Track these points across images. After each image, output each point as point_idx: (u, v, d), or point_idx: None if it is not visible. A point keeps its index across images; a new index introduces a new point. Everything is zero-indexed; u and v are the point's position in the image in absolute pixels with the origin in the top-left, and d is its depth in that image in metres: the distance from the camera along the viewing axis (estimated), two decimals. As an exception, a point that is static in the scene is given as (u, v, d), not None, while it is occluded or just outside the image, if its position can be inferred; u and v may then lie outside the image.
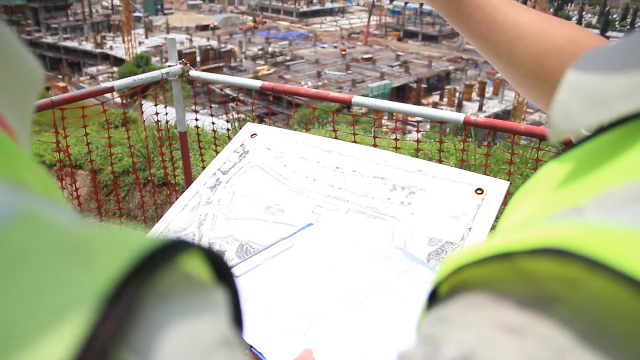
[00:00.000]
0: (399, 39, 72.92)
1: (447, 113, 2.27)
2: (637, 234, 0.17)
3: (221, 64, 53.31)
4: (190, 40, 60.91)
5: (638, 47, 0.24)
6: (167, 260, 0.17)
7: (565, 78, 0.25)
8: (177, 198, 1.92)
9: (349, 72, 52.08)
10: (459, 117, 2.18)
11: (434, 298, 0.23)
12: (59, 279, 0.14)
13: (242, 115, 4.66)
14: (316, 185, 1.50)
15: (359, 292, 1.05)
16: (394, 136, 3.23)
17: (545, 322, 0.18)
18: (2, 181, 0.17)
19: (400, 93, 49.94)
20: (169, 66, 2.86)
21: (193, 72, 2.87)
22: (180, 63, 2.86)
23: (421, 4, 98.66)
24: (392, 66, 56.87)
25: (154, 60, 48.51)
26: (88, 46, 59.42)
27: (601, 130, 0.23)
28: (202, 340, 0.17)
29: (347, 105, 2.30)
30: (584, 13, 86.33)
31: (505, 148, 3.24)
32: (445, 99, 50.50)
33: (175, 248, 0.18)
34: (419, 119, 2.48)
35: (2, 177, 0.17)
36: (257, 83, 2.66)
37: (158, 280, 0.17)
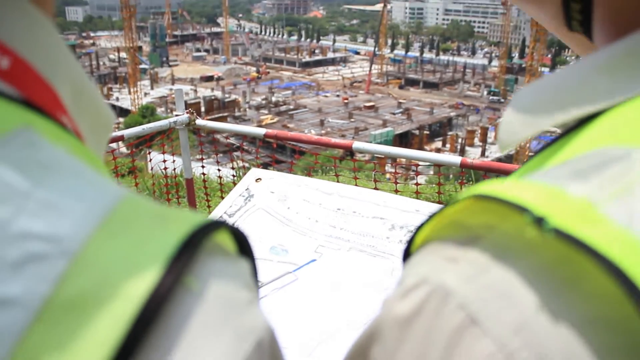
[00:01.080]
0: (401, 87, 73.94)
1: (444, 156, 2.37)
2: (540, 184, 0.26)
3: (225, 114, 53.99)
4: (195, 91, 61.92)
5: (558, 82, 0.35)
6: (211, 230, 0.27)
7: (507, 108, 0.37)
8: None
9: (352, 120, 52.66)
10: (456, 159, 2.26)
11: (408, 256, 0.33)
12: (153, 234, 0.25)
13: (247, 164, 4.77)
14: (318, 226, 1.53)
15: (359, 319, 1.15)
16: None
17: (472, 252, 0.27)
18: (109, 179, 0.29)
19: (403, 140, 50.35)
20: (176, 115, 2.97)
21: (199, 121, 2.98)
22: (187, 112, 2.98)
23: (421, 52, 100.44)
24: (394, 113, 57.52)
25: (159, 110, 49.28)
26: (94, 98, 60.20)
27: (546, 145, 0.35)
28: (235, 277, 0.28)
29: (350, 153, 2.39)
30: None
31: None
32: (447, 145, 50.83)
33: (216, 225, 0.28)
34: (420, 163, 2.57)
35: (108, 177, 0.29)
36: (261, 131, 2.76)
37: (205, 242, 0.27)
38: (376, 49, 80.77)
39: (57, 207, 0.25)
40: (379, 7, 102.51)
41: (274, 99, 62.15)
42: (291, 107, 58.37)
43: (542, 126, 0.35)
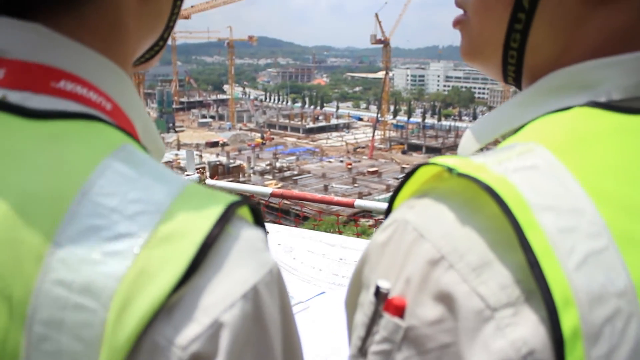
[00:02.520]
0: (404, 152, 74.57)
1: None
2: (483, 160, 0.47)
3: (230, 179, 54.37)
4: (200, 156, 62.59)
5: (494, 115, 0.63)
6: (241, 204, 0.47)
7: (465, 133, 0.64)
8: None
9: (356, 185, 52.93)
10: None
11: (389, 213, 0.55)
12: (208, 202, 0.46)
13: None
14: (322, 274, 1.64)
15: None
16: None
17: (422, 200, 0.48)
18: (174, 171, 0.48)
19: (406, 204, 50.28)
20: (187, 175, 3.11)
21: (209, 181, 3.12)
22: (197, 172, 3.13)
23: (423, 118, 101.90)
24: (397, 178, 57.69)
25: (165, 176, 49.54)
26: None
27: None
28: (257, 240, 0.48)
29: (353, 219, 2.50)
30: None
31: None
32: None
33: (244, 201, 0.48)
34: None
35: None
36: (268, 190, 2.90)
37: (237, 210, 0.47)
38: (379, 115, 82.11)
39: (154, 186, 0.47)
40: (381, 74, 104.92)
41: (278, 164, 62.71)
42: (295, 172, 58.78)
43: (483, 142, 0.65)
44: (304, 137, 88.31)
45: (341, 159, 67.77)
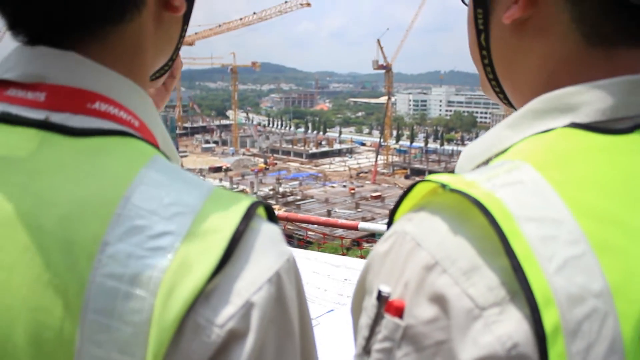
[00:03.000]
0: (407, 177, 74.50)
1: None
2: (473, 177, 0.55)
3: (233, 204, 54.23)
4: (203, 182, 62.63)
5: (486, 136, 0.70)
6: (260, 204, 0.57)
7: (462, 152, 0.71)
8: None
9: (359, 210, 52.87)
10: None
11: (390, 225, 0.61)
12: (233, 203, 0.57)
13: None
14: (327, 294, 1.67)
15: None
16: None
17: (420, 213, 0.57)
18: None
19: (409, 229, 50.17)
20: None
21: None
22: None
23: (426, 143, 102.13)
24: (400, 203, 57.64)
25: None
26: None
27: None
28: (274, 233, 0.58)
29: (356, 243, 2.53)
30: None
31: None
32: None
33: (261, 202, 0.58)
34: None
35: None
36: (272, 213, 2.94)
37: (256, 209, 0.57)
38: (381, 140, 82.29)
39: (186, 190, 0.57)
40: (383, 99, 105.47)
41: (281, 189, 62.75)
42: (298, 197, 58.77)
43: (477, 162, 0.71)
44: (307, 162, 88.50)
45: (344, 183, 67.83)
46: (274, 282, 0.55)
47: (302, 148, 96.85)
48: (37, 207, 0.55)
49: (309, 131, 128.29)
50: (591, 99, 0.64)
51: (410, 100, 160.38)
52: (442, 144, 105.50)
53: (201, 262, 0.52)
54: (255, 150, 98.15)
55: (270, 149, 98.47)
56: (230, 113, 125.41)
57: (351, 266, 1.66)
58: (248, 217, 0.56)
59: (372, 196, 58.31)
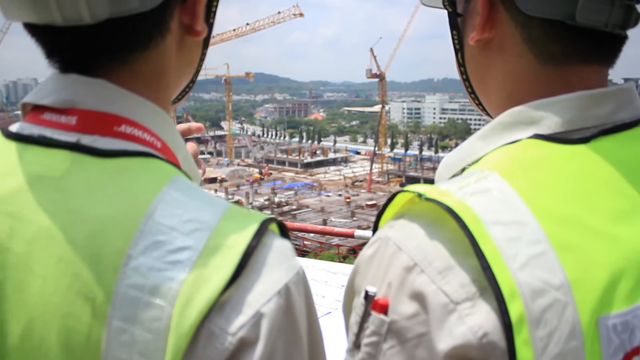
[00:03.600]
0: (402, 185, 74.40)
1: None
2: (447, 186, 0.65)
3: (229, 215, 54.09)
4: (199, 193, 62.45)
5: (462, 146, 0.79)
6: (272, 221, 0.63)
7: (441, 162, 0.82)
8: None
9: (355, 218, 52.85)
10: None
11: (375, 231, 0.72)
12: (246, 220, 0.61)
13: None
14: (325, 300, 1.69)
15: None
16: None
17: (400, 220, 0.67)
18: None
19: (406, 237, 50.10)
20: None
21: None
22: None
23: (420, 151, 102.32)
24: (396, 211, 57.58)
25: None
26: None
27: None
28: (285, 249, 0.63)
29: (352, 251, 2.55)
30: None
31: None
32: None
33: (273, 219, 0.63)
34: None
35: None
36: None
37: (269, 225, 0.62)
38: (376, 148, 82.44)
39: (203, 208, 0.62)
40: (377, 108, 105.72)
41: (276, 199, 62.65)
42: (294, 207, 58.67)
43: (454, 170, 0.80)
44: (302, 172, 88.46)
45: (339, 192, 67.81)
46: (283, 294, 0.60)
47: (297, 158, 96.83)
48: (69, 223, 0.61)
49: (304, 141, 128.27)
50: (552, 112, 0.73)
51: (404, 109, 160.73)
52: (436, 152, 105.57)
53: (216, 275, 0.57)
54: (250, 161, 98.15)
55: (265, 159, 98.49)
56: (224, 124, 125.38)
57: (348, 273, 1.72)
58: (260, 233, 0.61)
59: (367, 204, 58.26)
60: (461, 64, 0.87)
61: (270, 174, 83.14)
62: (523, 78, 0.79)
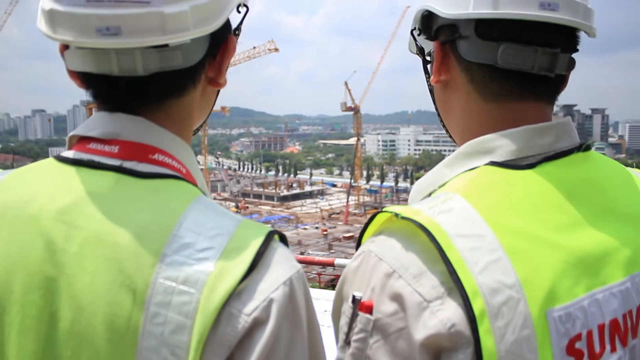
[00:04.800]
0: (378, 217, 74.47)
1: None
2: (419, 207, 0.81)
3: (205, 250, 53.48)
4: (174, 228, 61.73)
5: (431, 173, 0.96)
6: (275, 232, 0.80)
7: (413, 187, 0.99)
8: None
9: (332, 251, 52.55)
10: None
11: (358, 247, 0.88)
12: (257, 230, 0.79)
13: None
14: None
15: None
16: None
17: (379, 237, 0.83)
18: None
19: (383, 269, 49.96)
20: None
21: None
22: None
23: (396, 182, 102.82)
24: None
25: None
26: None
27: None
28: (288, 253, 0.80)
29: (335, 277, 2.52)
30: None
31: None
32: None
33: (276, 231, 0.81)
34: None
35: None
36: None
37: (274, 235, 0.79)
38: (352, 180, 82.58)
39: (222, 219, 0.79)
40: (352, 141, 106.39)
41: (253, 233, 62.10)
42: (271, 240, 58.20)
43: (424, 194, 0.92)
44: (279, 205, 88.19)
45: (316, 225, 67.71)
46: (287, 284, 0.76)
47: (274, 191, 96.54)
48: (114, 229, 0.76)
49: (280, 174, 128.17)
50: (503, 143, 0.89)
51: (379, 141, 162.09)
52: (412, 183, 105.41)
53: (234, 269, 0.73)
54: (226, 195, 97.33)
55: (241, 193, 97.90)
56: (200, 158, 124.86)
57: (331, 298, 1.71)
58: (268, 239, 0.77)
59: (344, 237, 58.08)
60: (434, 101, 1.07)
61: (247, 207, 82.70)
62: (473, 113, 0.95)
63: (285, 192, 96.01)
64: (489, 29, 0.89)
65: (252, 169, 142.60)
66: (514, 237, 0.78)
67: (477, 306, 0.72)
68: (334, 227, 65.83)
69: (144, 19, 0.77)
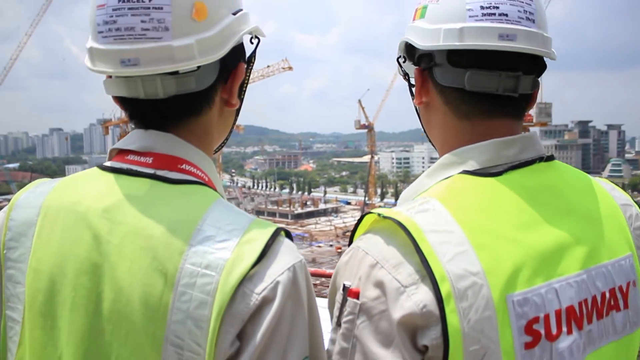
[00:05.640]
0: (393, 234, 73.94)
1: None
2: (399, 209, 0.97)
3: (219, 267, 53.40)
4: (189, 246, 61.67)
5: (415, 182, 1.14)
6: (282, 229, 0.95)
7: (402, 194, 1.17)
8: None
9: (346, 268, 52.27)
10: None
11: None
12: (267, 227, 0.94)
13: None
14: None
15: None
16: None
17: (367, 235, 1.01)
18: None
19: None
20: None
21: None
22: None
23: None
24: (387, 261, 57.07)
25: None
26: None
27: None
28: (292, 245, 0.96)
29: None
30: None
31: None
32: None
33: (282, 227, 0.96)
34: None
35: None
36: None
37: (280, 231, 0.95)
38: (366, 198, 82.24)
39: (238, 217, 0.95)
40: (366, 158, 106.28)
41: (267, 250, 61.90)
42: (285, 258, 57.93)
43: (409, 199, 1.07)
44: (293, 223, 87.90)
45: (331, 243, 67.51)
46: (291, 270, 0.91)
47: (288, 209, 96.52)
48: (149, 224, 0.93)
49: (294, 192, 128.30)
50: (474, 155, 1.05)
51: (393, 158, 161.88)
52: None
53: (247, 257, 0.88)
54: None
55: (255, 211, 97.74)
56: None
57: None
58: (275, 234, 0.93)
59: (359, 255, 57.56)
60: (420, 120, 1.24)
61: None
62: (450, 130, 1.12)
63: (300, 210, 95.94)
64: (459, 58, 1.06)
65: (266, 186, 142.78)
66: (480, 234, 0.93)
67: (444, 289, 0.87)
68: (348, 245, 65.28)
69: (156, 51, 0.95)
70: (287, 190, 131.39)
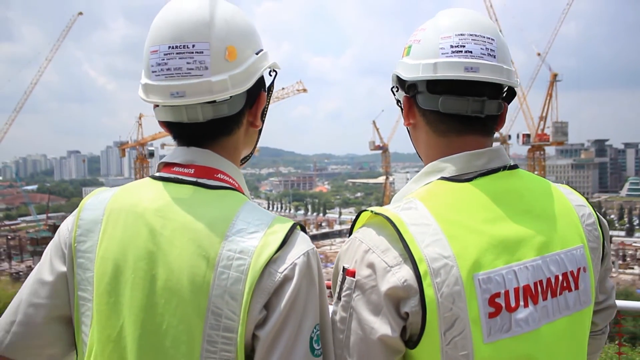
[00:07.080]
0: (408, 256, 73.25)
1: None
2: (388, 207, 1.26)
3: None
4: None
5: (404, 187, 1.42)
6: (298, 223, 1.24)
7: (393, 197, 1.42)
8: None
9: (361, 290, 51.82)
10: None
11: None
12: (286, 222, 1.22)
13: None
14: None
15: None
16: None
17: (363, 228, 1.28)
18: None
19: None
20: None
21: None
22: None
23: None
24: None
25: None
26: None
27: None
28: (306, 237, 1.23)
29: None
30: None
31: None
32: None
33: (298, 222, 1.24)
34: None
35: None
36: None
37: (297, 225, 1.23)
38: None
39: (264, 215, 1.23)
40: (381, 179, 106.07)
41: (282, 272, 61.53)
42: (300, 279, 57.57)
43: (398, 201, 1.30)
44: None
45: (346, 264, 66.71)
46: (306, 255, 1.16)
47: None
48: (194, 220, 1.18)
49: (309, 213, 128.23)
50: (450, 165, 1.31)
51: (408, 179, 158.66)
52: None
53: (272, 245, 1.14)
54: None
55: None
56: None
57: None
58: (293, 228, 1.19)
59: (374, 276, 57.08)
60: (410, 139, 1.51)
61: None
62: (431, 145, 1.39)
63: (315, 231, 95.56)
64: (434, 86, 1.33)
65: (282, 208, 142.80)
66: (452, 226, 1.18)
67: (422, 268, 1.13)
68: (364, 266, 64.70)
69: (199, 86, 1.21)
70: (302, 212, 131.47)
